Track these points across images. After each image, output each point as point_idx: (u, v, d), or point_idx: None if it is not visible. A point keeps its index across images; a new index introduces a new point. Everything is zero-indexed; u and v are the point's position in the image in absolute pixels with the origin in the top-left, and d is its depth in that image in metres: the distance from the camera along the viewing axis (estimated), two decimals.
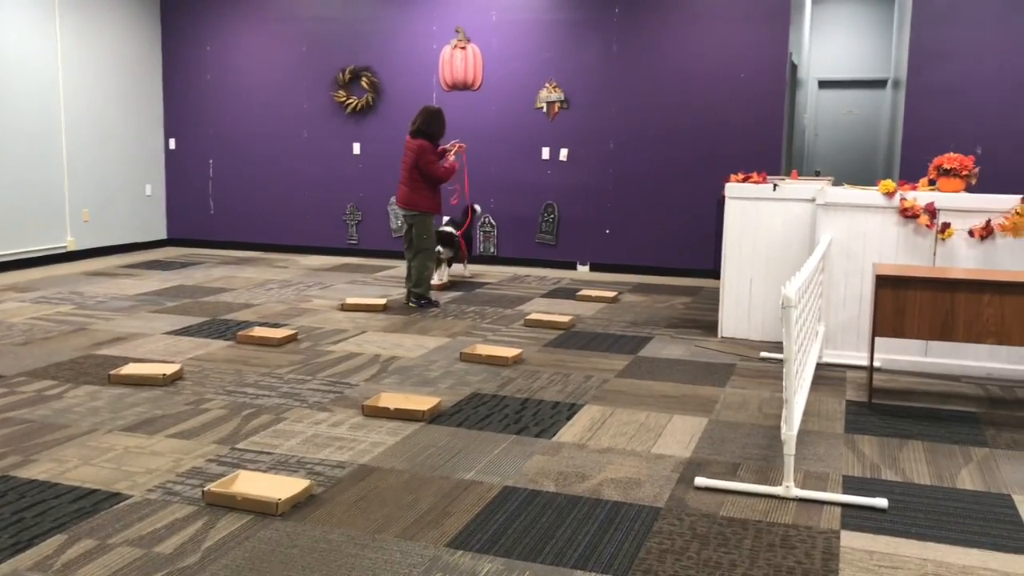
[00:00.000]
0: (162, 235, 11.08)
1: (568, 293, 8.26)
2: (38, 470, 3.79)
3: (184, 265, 9.55)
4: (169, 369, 5.17)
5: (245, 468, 3.83)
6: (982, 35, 8.19)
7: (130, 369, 5.19)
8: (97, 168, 10.00)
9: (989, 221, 5.59)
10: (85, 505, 3.44)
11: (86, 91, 9.81)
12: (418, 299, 7.45)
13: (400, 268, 9.46)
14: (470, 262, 8.57)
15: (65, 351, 5.79)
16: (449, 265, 8.57)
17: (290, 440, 4.20)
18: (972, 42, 8.22)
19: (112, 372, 5.14)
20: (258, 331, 6.18)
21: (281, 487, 3.52)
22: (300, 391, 4.99)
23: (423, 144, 7.21)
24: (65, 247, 9.63)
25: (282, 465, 3.89)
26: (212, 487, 3.48)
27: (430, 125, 7.25)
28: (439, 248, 8.16)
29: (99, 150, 10.02)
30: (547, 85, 9.56)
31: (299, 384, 5.13)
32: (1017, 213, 5.51)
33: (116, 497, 3.51)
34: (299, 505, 3.46)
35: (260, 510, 3.39)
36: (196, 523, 3.29)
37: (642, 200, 9.40)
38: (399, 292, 8.05)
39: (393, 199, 10.09)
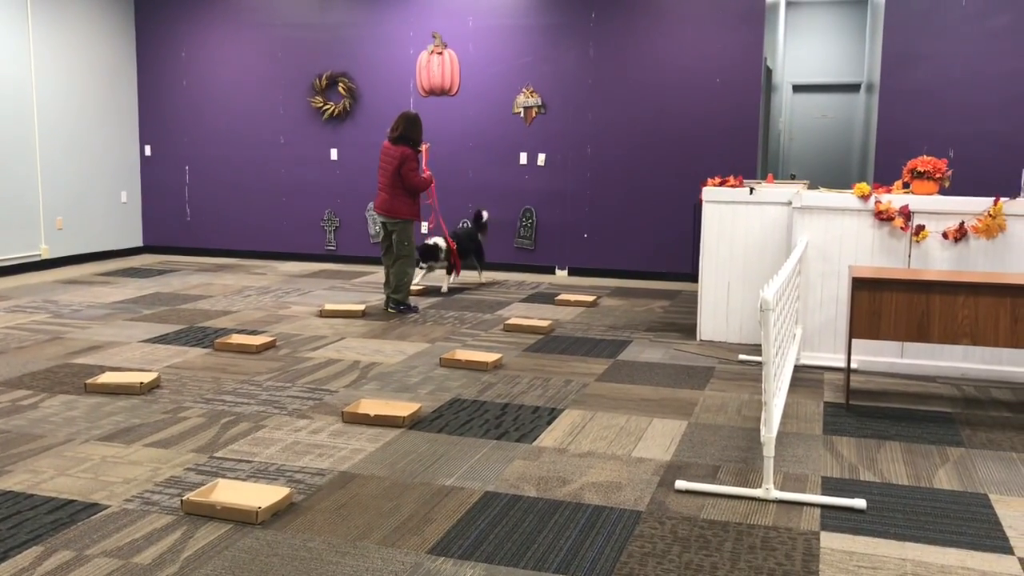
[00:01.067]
0: (138, 242, 10.98)
1: (547, 298, 8.27)
2: (13, 481, 3.74)
3: (161, 272, 9.48)
4: (146, 377, 5.13)
5: (224, 477, 3.80)
6: (954, 39, 8.29)
7: (106, 378, 5.14)
8: (71, 175, 9.91)
9: (963, 223, 5.65)
10: (62, 516, 3.40)
11: (60, 97, 9.72)
12: (397, 305, 7.43)
13: (379, 274, 9.43)
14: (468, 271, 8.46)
15: (40, 360, 5.73)
16: (451, 273, 8.50)
17: (269, 448, 4.18)
18: (944, 46, 8.32)
19: (88, 381, 5.09)
20: (236, 338, 6.14)
21: (261, 495, 3.49)
22: (279, 398, 4.97)
23: (406, 151, 7.20)
24: (39, 255, 9.53)
25: (261, 473, 3.86)
26: (191, 496, 3.45)
27: (412, 131, 7.26)
28: (431, 262, 8.16)
29: (73, 157, 9.93)
30: (524, 90, 9.58)
31: (278, 391, 5.11)
32: (990, 215, 5.58)
33: (93, 508, 3.48)
34: (279, 513, 3.44)
35: (240, 519, 3.36)
36: (175, 533, 3.27)
37: (620, 204, 9.43)
38: (378, 298, 8.03)
39: (371, 205, 10.07)
